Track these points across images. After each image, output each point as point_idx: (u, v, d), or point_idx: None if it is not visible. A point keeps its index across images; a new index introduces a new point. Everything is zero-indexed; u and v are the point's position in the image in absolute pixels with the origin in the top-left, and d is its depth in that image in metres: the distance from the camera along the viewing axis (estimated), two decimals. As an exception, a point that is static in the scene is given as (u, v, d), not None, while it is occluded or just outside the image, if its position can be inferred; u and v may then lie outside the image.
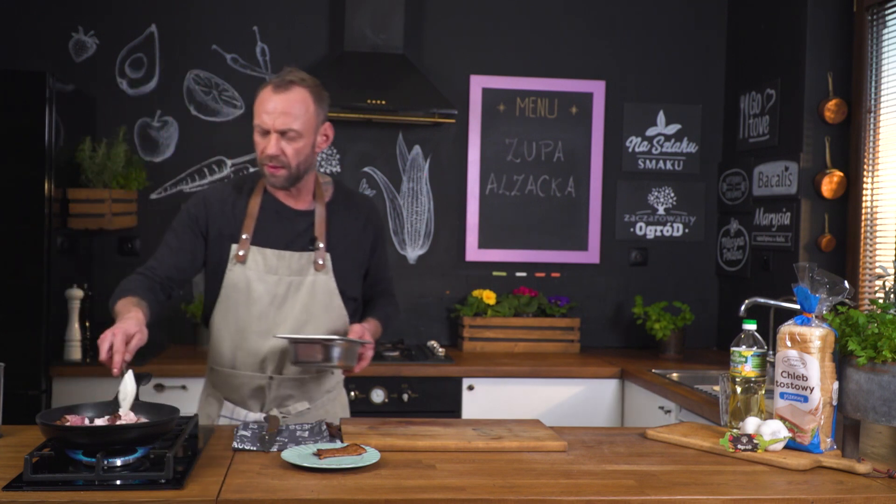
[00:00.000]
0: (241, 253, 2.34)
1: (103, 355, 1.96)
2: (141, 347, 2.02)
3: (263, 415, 2.41)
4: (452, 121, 4.11)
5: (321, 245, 2.37)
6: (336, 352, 2.20)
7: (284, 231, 2.37)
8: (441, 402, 3.73)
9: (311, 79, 2.33)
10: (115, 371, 1.95)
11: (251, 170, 4.23)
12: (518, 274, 4.43)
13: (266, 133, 2.27)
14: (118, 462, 1.79)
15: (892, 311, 1.96)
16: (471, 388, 3.75)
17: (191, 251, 2.37)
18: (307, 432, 2.16)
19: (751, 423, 2.10)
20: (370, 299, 2.58)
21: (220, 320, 2.39)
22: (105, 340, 1.97)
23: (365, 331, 2.33)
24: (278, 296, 2.35)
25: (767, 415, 2.21)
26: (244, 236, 2.34)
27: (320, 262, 2.36)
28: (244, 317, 2.36)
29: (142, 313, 2.10)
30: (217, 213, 2.38)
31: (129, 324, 2.02)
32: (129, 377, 1.97)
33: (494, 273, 4.42)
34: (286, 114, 2.25)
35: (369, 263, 2.51)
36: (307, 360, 2.21)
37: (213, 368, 2.47)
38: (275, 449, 2.01)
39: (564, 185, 4.44)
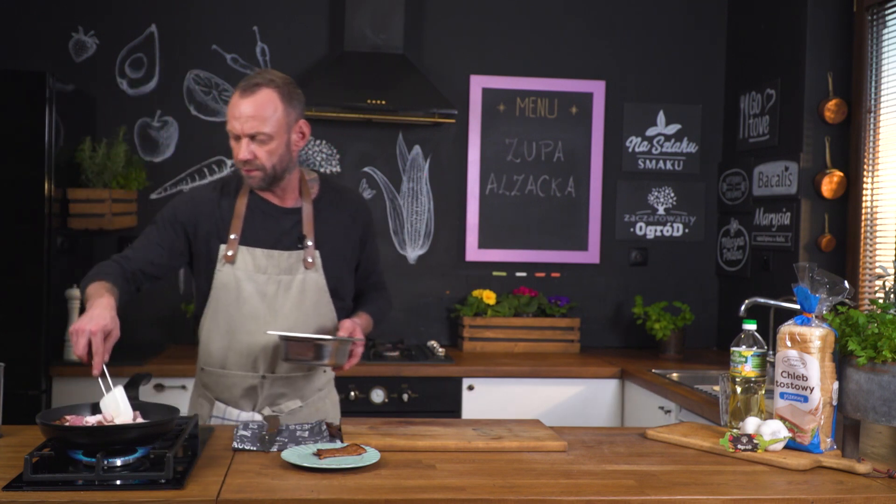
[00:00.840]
0: (229, 253, 2.34)
1: (80, 350, 1.96)
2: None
3: (255, 414, 2.41)
4: (452, 121, 4.11)
5: (309, 243, 2.37)
6: (327, 350, 2.22)
7: (272, 230, 2.37)
8: (441, 402, 3.73)
9: (282, 78, 2.30)
10: (96, 372, 1.95)
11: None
12: (518, 274, 4.43)
13: (238, 138, 2.27)
14: (118, 462, 1.79)
15: (892, 311, 1.96)
16: (471, 388, 3.75)
17: (168, 248, 2.36)
18: (307, 432, 2.16)
19: (751, 423, 2.10)
20: (362, 292, 2.58)
21: (211, 321, 2.39)
22: (82, 335, 1.95)
23: (356, 326, 2.33)
24: (268, 295, 2.35)
25: (767, 415, 2.21)
26: (232, 236, 2.34)
27: (309, 259, 2.37)
28: (235, 316, 2.36)
29: (114, 300, 2.10)
30: (205, 214, 2.37)
31: (105, 318, 2.00)
32: (121, 394, 1.93)
33: (494, 273, 4.42)
34: (254, 117, 2.24)
35: (360, 257, 2.52)
36: (298, 357, 2.23)
37: (203, 369, 2.47)
38: (275, 449, 2.01)
39: (564, 185, 4.44)
